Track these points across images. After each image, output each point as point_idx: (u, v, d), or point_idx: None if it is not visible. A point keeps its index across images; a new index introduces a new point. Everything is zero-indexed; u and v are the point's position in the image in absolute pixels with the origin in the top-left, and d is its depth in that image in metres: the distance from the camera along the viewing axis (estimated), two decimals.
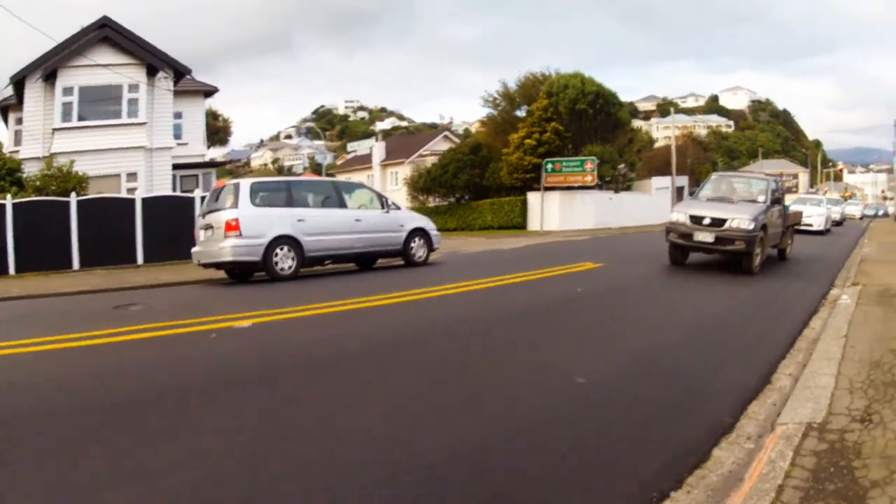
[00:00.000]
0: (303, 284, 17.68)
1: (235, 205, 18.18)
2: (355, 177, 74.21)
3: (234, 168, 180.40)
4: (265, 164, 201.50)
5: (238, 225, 17.81)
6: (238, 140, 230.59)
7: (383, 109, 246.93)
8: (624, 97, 64.92)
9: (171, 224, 27.20)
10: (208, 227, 18.92)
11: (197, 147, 39.41)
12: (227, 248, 17.87)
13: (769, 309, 13.23)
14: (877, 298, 13.05)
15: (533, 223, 50.38)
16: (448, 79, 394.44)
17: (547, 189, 48.91)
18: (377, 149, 79.56)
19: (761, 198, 19.12)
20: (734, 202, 19.06)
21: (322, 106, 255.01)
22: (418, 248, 21.86)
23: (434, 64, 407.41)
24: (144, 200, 27.32)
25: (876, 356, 8.23)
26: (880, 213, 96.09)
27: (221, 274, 20.16)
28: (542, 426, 6.22)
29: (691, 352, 9.42)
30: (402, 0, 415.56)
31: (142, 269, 25.14)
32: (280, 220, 18.54)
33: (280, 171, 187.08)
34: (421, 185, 60.54)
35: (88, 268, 25.15)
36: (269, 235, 18.13)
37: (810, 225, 36.53)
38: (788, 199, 38.49)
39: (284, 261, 18.39)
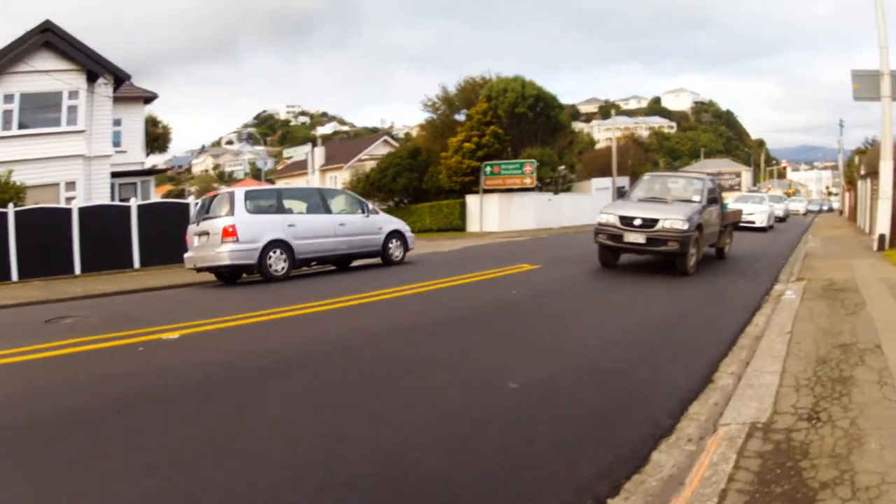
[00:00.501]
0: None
1: (231, 212, 19.57)
2: (294, 181, 73.83)
3: (175, 174, 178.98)
4: (206, 171, 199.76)
5: (235, 231, 19.20)
6: (180, 146, 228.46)
7: (324, 114, 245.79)
8: (567, 100, 65.33)
9: (108, 233, 27.10)
10: (203, 233, 20.17)
11: (136, 155, 39.03)
12: (225, 253, 19.17)
13: (711, 307, 13.39)
14: (821, 293, 13.24)
15: (472, 225, 50.60)
16: (390, 83, 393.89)
17: (486, 191, 49.19)
18: (317, 154, 79.14)
19: (696, 197, 18.99)
20: (668, 202, 18.95)
21: (264, 111, 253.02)
22: (395, 249, 23.68)
23: (376, 68, 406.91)
24: (81, 210, 26.98)
25: (822, 352, 8.27)
26: (825, 208, 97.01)
27: (182, 278, 21.35)
28: (472, 435, 6.12)
29: (629, 353, 9.28)
30: (344, 4, 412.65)
31: (79, 279, 24.89)
32: (272, 225, 20.06)
33: (221, 177, 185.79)
34: (360, 190, 60.29)
35: (27, 279, 24.84)
36: (263, 240, 19.61)
37: (753, 222, 37.01)
38: (730, 197, 38.98)
39: (277, 263, 19.94)
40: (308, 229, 20.86)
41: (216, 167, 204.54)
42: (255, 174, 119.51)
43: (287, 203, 21.40)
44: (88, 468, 5.58)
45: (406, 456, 5.63)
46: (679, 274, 17.52)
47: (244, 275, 20.97)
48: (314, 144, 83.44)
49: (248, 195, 20.50)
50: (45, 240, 25.75)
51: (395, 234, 23.73)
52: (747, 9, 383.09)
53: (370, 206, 23.99)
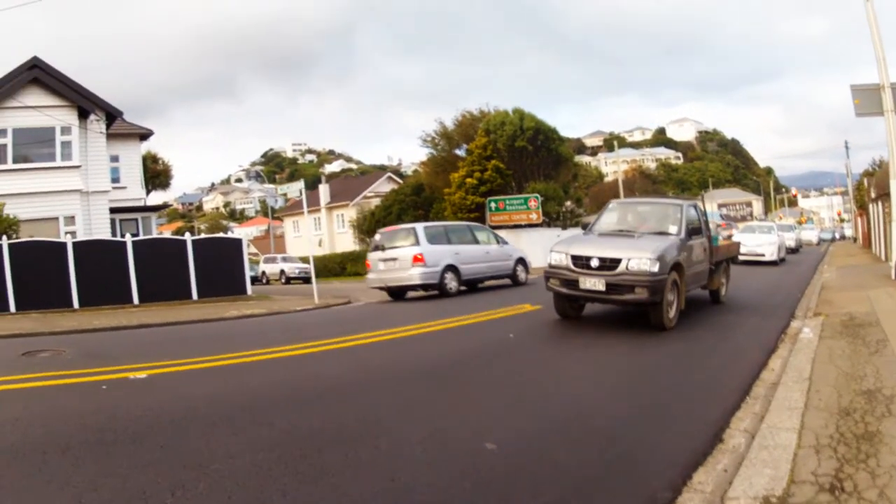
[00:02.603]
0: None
1: (417, 243, 24.98)
2: (301, 220, 73.67)
3: (185, 211, 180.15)
4: (217, 208, 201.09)
5: (423, 258, 24.55)
6: (189, 184, 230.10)
7: (331, 152, 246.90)
8: (570, 133, 65.42)
9: (105, 267, 27.03)
10: (391, 259, 25.35)
11: (135, 191, 39.16)
12: (416, 275, 24.59)
13: (720, 349, 12.28)
14: (841, 329, 12.46)
15: None
16: (394, 120, 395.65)
17: (493, 228, 48.12)
18: (322, 191, 79.24)
19: (673, 228, 15.38)
20: (635, 236, 15.13)
21: (271, 149, 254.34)
22: (521, 273, 28.86)
23: (380, 106, 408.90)
24: (76, 244, 26.91)
25: (845, 402, 7.51)
26: (838, 235, 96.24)
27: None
28: None
29: (626, 407, 8.37)
30: (342, 42, 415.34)
31: (77, 313, 24.74)
32: (445, 254, 25.42)
33: (232, 214, 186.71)
34: (366, 228, 60.44)
35: (25, 311, 24.73)
36: (441, 265, 24.98)
37: (762, 255, 35.24)
38: (738, 228, 38.02)
39: (451, 282, 25.25)
40: (468, 257, 26.22)
41: (226, 205, 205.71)
42: (266, 212, 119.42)
43: (451, 236, 26.56)
44: None
45: None
46: (691, 309, 15.90)
47: (408, 293, 26.27)
48: (301, 186, 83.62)
49: (426, 230, 25.89)
50: (41, 273, 25.71)
51: (521, 260, 29.06)
52: (742, 34, 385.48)
53: (501, 237, 29.60)
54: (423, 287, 25.23)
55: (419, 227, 26.26)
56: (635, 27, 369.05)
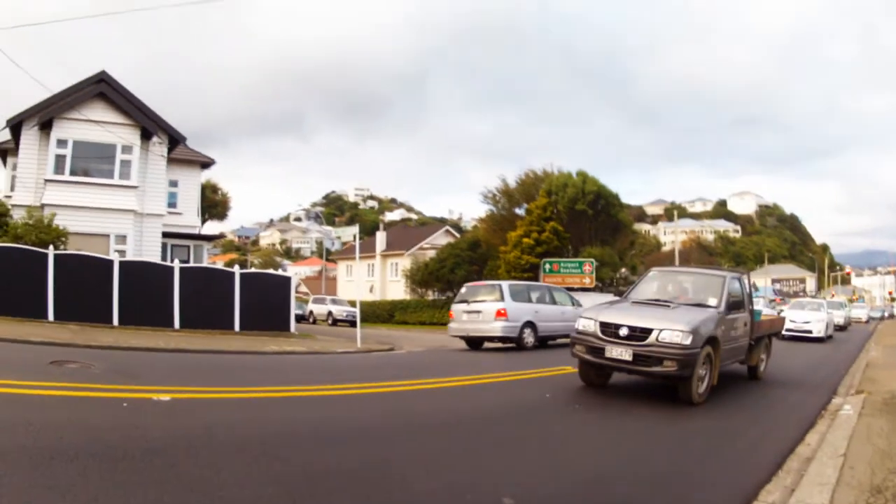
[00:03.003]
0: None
1: (501, 298, 25.86)
2: (355, 265, 73.85)
3: (241, 244, 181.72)
4: (273, 244, 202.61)
5: (506, 313, 25.35)
6: (247, 217, 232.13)
7: (393, 200, 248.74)
8: (632, 200, 65.47)
9: (149, 289, 27.05)
10: (475, 311, 26.26)
11: (190, 218, 39.19)
12: (498, 328, 25.47)
13: (756, 423, 12.06)
14: (882, 407, 12.23)
15: None
16: (458, 174, 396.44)
17: None
18: (379, 238, 79.51)
19: (712, 301, 14.51)
20: (671, 307, 14.16)
21: (333, 192, 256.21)
22: None
23: (445, 158, 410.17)
24: (123, 263, 26.99)
25: (878, 479, 7.24)
26: (887, 314, 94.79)
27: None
28: None
29: (650, 475, 7.99)
30: (412, 93, 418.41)
31: (116, 330, 24.65)
32: (526, 311, 26.21)
33: (287, 252, 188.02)
34: (418, 279, 60.39)
35: (63, 321, 24.65)
36: (521, 321, 25.71)
37: (809, 332, 34.46)
38: (788, 303, 37.42)
39: (529, 337, 25.91)
40: (545, 315, 26.95)
41: (283, 242, 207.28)
42: (321, 253, 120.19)
43: (531, 295, 27.69)
44: None
45: None
46: (729, 380, 15.58)
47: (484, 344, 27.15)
48: (377, 229, 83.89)
49: (511, 287, 26.96)
50: (84, 286, 25.76)
51: None
52: (807, 109, 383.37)
53: (577, 300, 30.23)
54: (502, 339, 26.11)
55: (504, 284, 27.61)
56: (703, 97, 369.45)
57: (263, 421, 9.85)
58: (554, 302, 28.32)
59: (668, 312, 13.63)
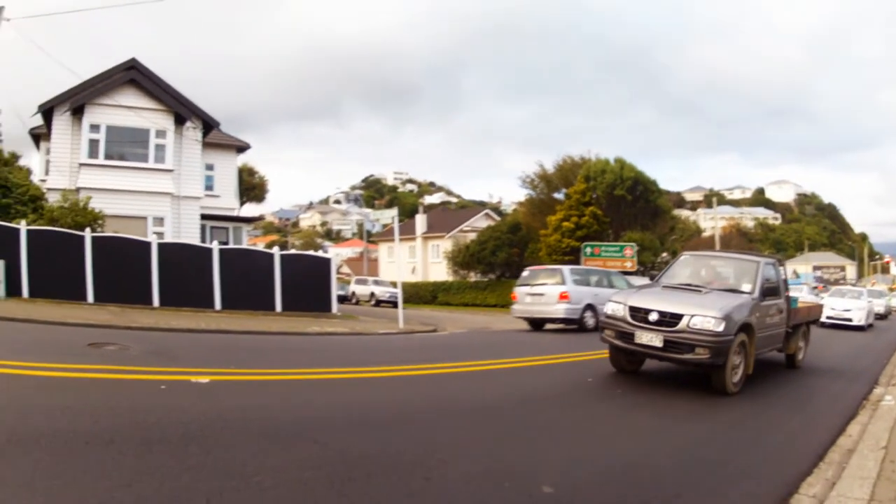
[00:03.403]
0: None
1: (563, 282, 26.83)
2: (396, 247, 73.93)
3: (282, 226, 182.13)
4: (313, 226, 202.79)
5: (568, 295, 26.41)
6: (287, 200, 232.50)
7: (432, 184, 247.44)
8: (671, 187, 64.82)
9: (189, 271, 27.27)
10: (538, 294, 27.27)
11: (228, 200, 39.46)
12: (561, 309, 26.41)
13: (796, 412, 11.68)
14: None
15: None
16: (496, 158, 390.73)
17: None
18: (419, 221, 79.50)
19: (746, 286, 13.93)
20: (703, 292, 13.60)
21: (371, 175, 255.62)
22: None
23: (484, 143, 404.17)
24: (161, 245, 27.24)
25: None
26: None
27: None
28: None
29: (691, 464, 7.85)
30: (449, 78, 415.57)
31: (156, 311, 24.83)
32: (586, 294, 27.20)
33: (328, 234, 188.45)
34: (461, 260, 60.39)
35: (102, 303, 24.90)
36: (583, 303, 26.72)
37: (849, 319, 33.86)
38: (828, 291, 36.96)
39: (590, 319, 26.51)
40: (604, 298, 23.94)
41: (323, 224, 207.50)
42: (362, 235, 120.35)
43: (590, 279, 28.73)
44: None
45: None
46: (771, 368, 15.29)
47: (546, 325, 27.99)
48: (417, 212, 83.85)
49: (572, 271, 28.12)
50: (123, 268, 26.03)
51: None
52: (844, 102, 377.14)
53: (632, 283, 28.85)
54: (565, 321, 26.95)
55: (566, 268, 28.60)
56: (739, 88, 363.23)
57: (302, 404, 9.81)
58: (611, 285, 28.27)
59: (700, 298, 13.11)
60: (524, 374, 14.81)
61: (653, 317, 12.61)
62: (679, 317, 12.30)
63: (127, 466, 6.04)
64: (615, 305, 13.55)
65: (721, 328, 11.92)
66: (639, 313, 12.88)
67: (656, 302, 12.99)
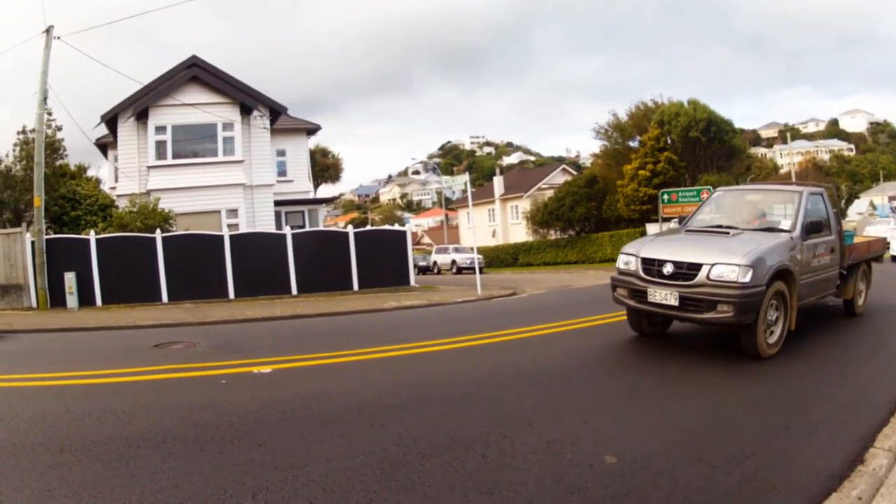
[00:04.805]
0: None
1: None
2: (476, 211, 73.73)
3: (362, 203, 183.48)
4: (393, 199, 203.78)
5: None
6: (366, 176, 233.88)
7: (509, 144, 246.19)
8: (746, 125, 63.67)
9: (263, 259, 27.48)
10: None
11: (302, 184, 39.73)
12: None
13: (874, 358, 10.57)
14: None
15: None
16: (573, 113, 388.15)
17: (665, 220, 46.86)
18: (496, 183, 79.18)
19: (785, 223, 11.87)
20: (730, 234, 11.55)
21: (448, 142, 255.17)
22: None
23: (557, 98, 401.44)
24: (233, 237, 27.46)
25: None
26: None
27: None
28: None
29: (760, 420, 7.42)
30: (517, 36, 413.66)
31: (231, 303, 25.10)
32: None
33: (409, 205, 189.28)
34: (539, 219, 60.14)
35: (177, 301, 25.34)
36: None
37: None
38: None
39: None
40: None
41: (403, 196, 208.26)
42: (443, 203, 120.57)
43: None
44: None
45: None
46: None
47: None
48: (494, 175, 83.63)
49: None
50: (196, 264, 26.35)
51: None
52: None
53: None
54: None
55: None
56: (806, 17, 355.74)
57: (364, 386, 9.74)
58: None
59: (725, 242, 11.08)
60: (590, 335, 14.27)
61: (667, 269, 10.79)
62: (697, 267, 10.40)
63: (175, 467, 6.10)
64: (627, 258, 11.74)
65: (748, 278, 9.94)
66: (652, 266, 11.09)
67: (672, 251, 11.13)
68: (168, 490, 5.50)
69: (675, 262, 10.67)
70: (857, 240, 15.26)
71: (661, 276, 10.80)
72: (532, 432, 7.05)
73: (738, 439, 6.77)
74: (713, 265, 10.17)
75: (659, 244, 11.64)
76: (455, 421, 7.56)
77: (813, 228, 11.72)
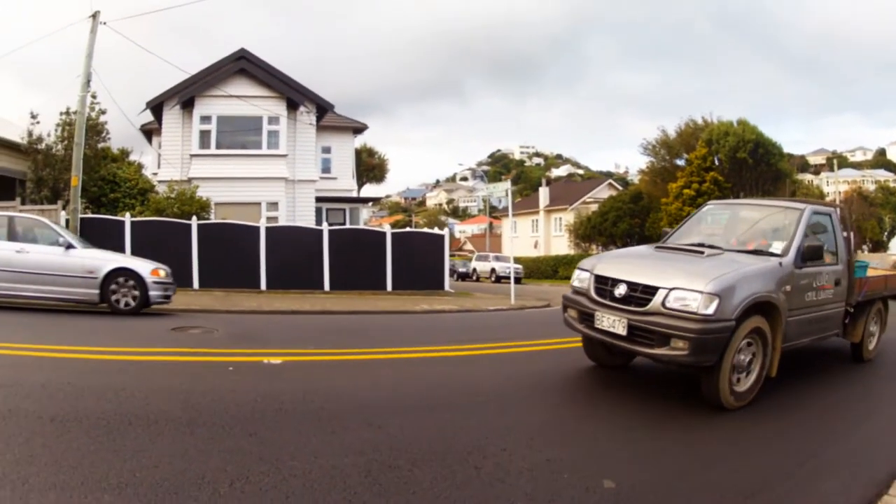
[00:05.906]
0: None
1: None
2: (518, 220, 73.65)
3: (408, 206, 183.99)
4: (439, 204, 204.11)
5: None
6: (413, 179, 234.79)
7: (559, 156, 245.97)
8: (794, 150, 63.40)
9: (298, 253, 27.53)
10: None
11: (345, 182, 39.97)
12: None
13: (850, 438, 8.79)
14: None
15: None
16: (623, 128, 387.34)
17: None
18: (542, 194, 79.04)
19: (778, 245, 9.75)
20: (704, 254, 9.52)
21: (498, 150, 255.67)
22: None
23: (609, 112, 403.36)
24: (269, 229, 27.60)
25: None
26: None
27: None
28: None
29: (766, 454, 6.95)
30: (570, 49, 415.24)
31: (262, 294, 25.24)
32: None
33: (454, 212, 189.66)
34: (582, 233, 60.10)
35: (208, 288, 25.49)
36: None
37: None
38: None
39: None
40: None
41: (449, 202, 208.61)
42: (487, 211, 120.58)
43: None
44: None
45: None
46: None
47: None
48: (541, 185, 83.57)
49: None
50: (230, 253, 26.52)
51: None
52: None
53: None
54: None
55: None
56: (858, 43, 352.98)
57: (371, 384, 9.61)
58: None
59: (697, 264, 9.02)
60: None
61: (619, 290, 8.93)
62: (653, 291, 8.51)
63: (161, 448, 6.04)
64: (581, 274, 9.96)
65: (710, 309, 7.99)
66: (605, 285, 9.23)
67: (632, 269, 9.20)
68: (147, 469, 5.44)
69: (629, 283, 8.85)
70: (871, 272, 12.79)
71: (613, 298, 9.01)
72: (533, 448, 6.82)
73: (754, 472, 6.46)
74: (671, 290, 8.32)
75: (619, 261, 10.04)
76: (456, 429, 7.39)
77: (812, 254, 9.58)
